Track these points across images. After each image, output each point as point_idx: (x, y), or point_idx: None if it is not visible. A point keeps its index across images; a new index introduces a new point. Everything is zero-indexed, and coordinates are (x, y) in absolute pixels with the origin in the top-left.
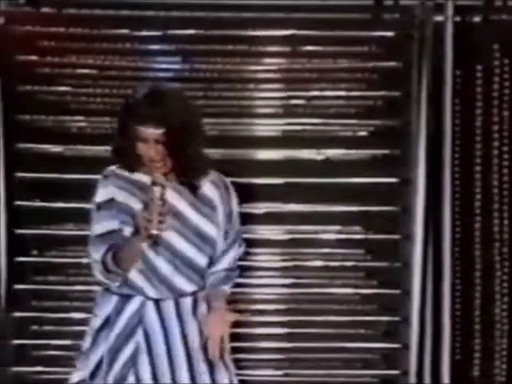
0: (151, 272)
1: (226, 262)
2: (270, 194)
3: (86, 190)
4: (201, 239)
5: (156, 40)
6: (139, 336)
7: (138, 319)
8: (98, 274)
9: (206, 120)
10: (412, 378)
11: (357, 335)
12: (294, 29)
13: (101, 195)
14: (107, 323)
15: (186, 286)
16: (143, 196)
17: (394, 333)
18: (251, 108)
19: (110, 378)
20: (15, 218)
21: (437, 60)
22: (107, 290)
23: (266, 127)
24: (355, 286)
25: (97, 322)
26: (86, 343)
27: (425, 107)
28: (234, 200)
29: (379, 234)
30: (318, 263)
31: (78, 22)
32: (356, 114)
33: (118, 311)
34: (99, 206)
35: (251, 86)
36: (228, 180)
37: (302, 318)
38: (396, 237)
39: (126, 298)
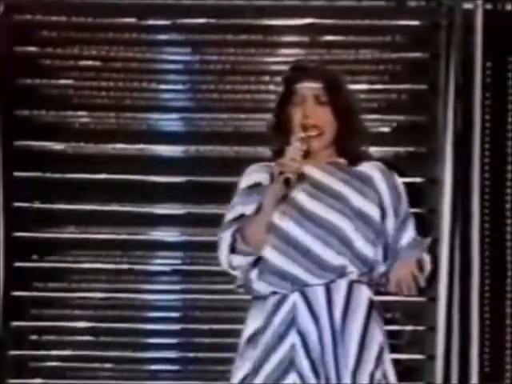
0: (299, 250)
1: (407, 237)
2: None
3: (89, 191)
4: (356, 216)
5: (164, 29)
6: (293, 337)
7: (291, 320)
8: (225, 263)
9: (217, 115)
10: None
11: None
12: (312, 17)
13: (244, 182)
14: (260, 331)
15: (336, 260)
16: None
17: (418, 343)
18: (266, 102)
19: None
20: (13, 220)
21: (466, 51)
22: (258, 298)
23: None
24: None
25: (247, 333)
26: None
27: (452, 101)
28: (401, 186)
29: None
30: None
31: (81, 11)
32: (378, 108)
33: (272, 315)
34: (238, 193)
35: (266, 78)
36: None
37: None
38: None
39: (277, 303)
